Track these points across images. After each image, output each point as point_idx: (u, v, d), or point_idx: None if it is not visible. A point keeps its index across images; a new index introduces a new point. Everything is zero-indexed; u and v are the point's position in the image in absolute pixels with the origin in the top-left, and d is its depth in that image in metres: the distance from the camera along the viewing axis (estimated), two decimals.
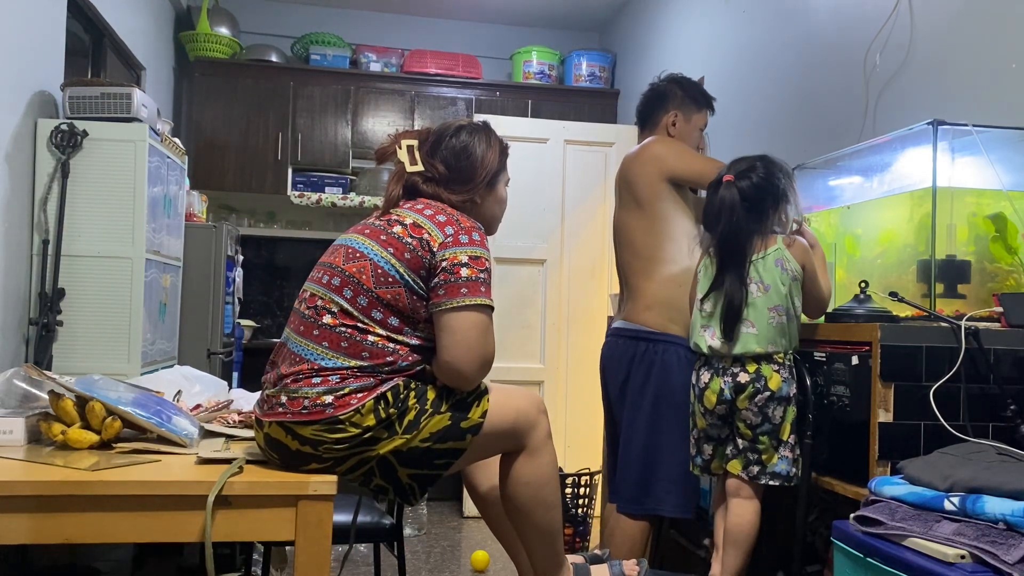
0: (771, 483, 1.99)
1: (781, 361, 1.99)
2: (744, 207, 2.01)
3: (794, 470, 1.98)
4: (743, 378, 1.99)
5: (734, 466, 2.03)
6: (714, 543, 2.16)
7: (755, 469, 2.00)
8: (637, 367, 2.46)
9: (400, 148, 1.92)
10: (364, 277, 1.74)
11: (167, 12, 4.91)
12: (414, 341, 1.77)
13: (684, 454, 2.23)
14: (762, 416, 1.98)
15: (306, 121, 5.04)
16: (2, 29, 2.80)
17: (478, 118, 2.17)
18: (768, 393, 1.96)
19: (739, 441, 2.03)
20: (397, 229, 1.78)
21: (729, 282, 2.02)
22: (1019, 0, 2.19)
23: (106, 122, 3.10)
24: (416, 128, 2.03)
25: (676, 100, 2.64)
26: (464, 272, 1.74)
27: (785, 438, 1.98)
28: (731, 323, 2.00)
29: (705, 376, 2.06)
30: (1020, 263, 2.01)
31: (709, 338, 2.05)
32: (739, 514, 2.02)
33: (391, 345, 1.74)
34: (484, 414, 1.78)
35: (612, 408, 2.61)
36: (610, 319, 2.88)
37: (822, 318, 2.09)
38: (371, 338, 1.72)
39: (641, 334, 2.47)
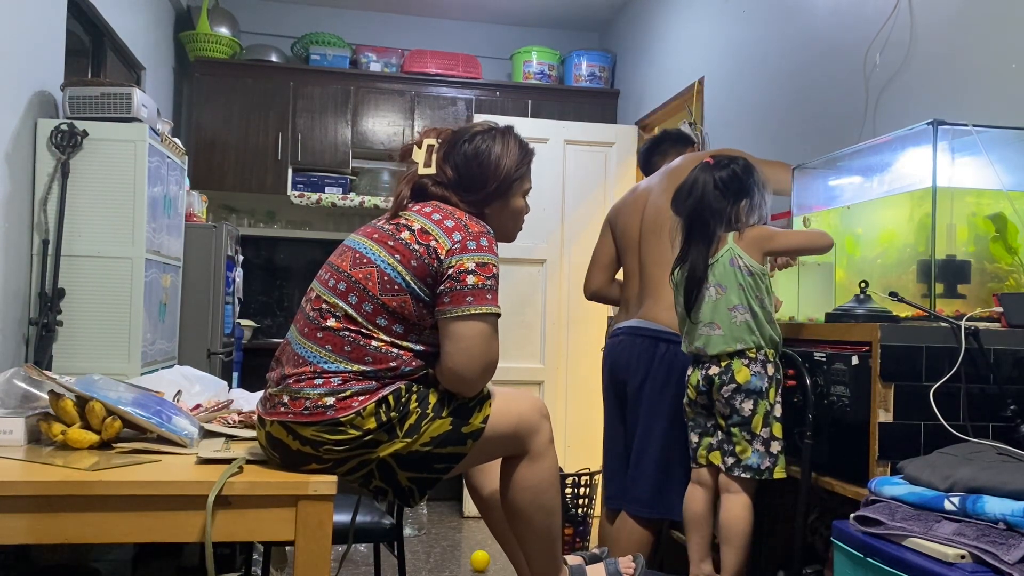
0: (743, 476, 2.01)
1: (753, 356, 2.02)
2: (713, 188, 2.11)
3: (766, 464, 2.01)
4: (713, 371, 2.07)
5: (715, 457, 2.10)
6: (687, 538, 2.18)
7: (729, 461, 2.06)
8: (657, 369, 2.44)
9: (419, 147, 1.89)
10: (370, 284, 1.73)
11: (167, 12, 4.91)
12: (418, 347, 1.76)
13: None
14: (730, 408, 2.04)
15: (306, 121, 5.04)
16: (2, 29, 2.80)
17: (482, 118, 2.12)
18: (734, 385, 2.02)
19: (719, 433, 2.10)
20: (405, 235, 1.76)
21: (694, 253, 2.11)
22: (1019, 0, 2.19)
23: (106, 122, 3.10)
24: (438, 127, 1.97)
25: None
26: (470, 280, 1.72)
27: (757, 432, 2.01)
28: (691, 292, 2.09)
29: (690, 370, 2.16)
30: (1020, 263, 2.01)
31: (687, 345, 2.15)
32: (729, 509, 2.04)
33: (394, 351, 1.73)
34: (486, 419, 1.78)
35: (624, 409, 2.58)
36: (610, 319, 2.88)
37: (822, 318, 2.10)
38: (374, 343, 1.72)
39: (662, 335, 2.45)
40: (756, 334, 2.03)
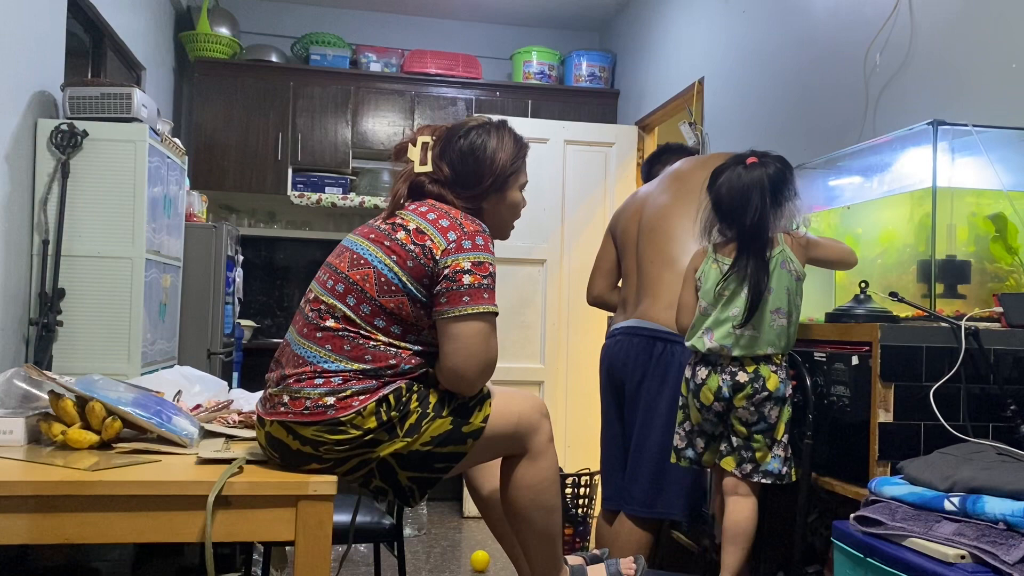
0: (763, 481, 1.99)
1: (778, 362, 1.99)
2: (770, 186, 1.98)
3: (786, 469, 1.98)
4: (742, 378, 1.98)
5: (728, 463, 2.04)
6: (717, 545, 2.16)
7: (748, 467, 2.01)
8: (654, 368, 2.43)
9: (415, 145, 1.89)
10: (368, 285, 1.73)
11: (167, 12, 4.91)
12: (417, 347, 1.76)
13: None
14: (758, 415, 1.98)
15: (306, 121, 5.04)
16: (2, 29, 2.80)
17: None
18: (766, 393, 1.96)
19: (733, 439, 2.03)
20: (400, 235, 1.76)
21: (753, 266, 1.96)
22: (1019, 0, 2.19)
23: (106, 122, 3.10)
24: (432, 124, 1.96)
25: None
26: (467, 279, 1.72)
27: (779, 437, 1.99)
28: (755, 308, 1.95)
29: (702, 372, 2.05)
30: (1020, 263, 2.01)
31: (708, 340, 2.02)
32: (737, 511, 2.02)
33: (393, 349, 1.73)
34: (486, 419, 1.78)
35: (622, 408, 2.58)
36: (610, 319, 2.88)
37: (822, 318, 2.10)
38: (373, 343, 1.72)
39: (660, 334, 2.43)
40: (785, 339, 1.99)
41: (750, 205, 1.97)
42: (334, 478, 1.66)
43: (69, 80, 3.27)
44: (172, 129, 3.80)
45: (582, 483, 3.68)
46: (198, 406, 2.21)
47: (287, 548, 2.62)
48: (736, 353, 1.99)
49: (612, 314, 2.87)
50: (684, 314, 2.15)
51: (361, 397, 1.68)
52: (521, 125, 4.78)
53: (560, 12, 5.43)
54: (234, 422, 2.08)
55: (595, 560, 2.05)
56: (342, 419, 1.66)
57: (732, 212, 2.02)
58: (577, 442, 4.47)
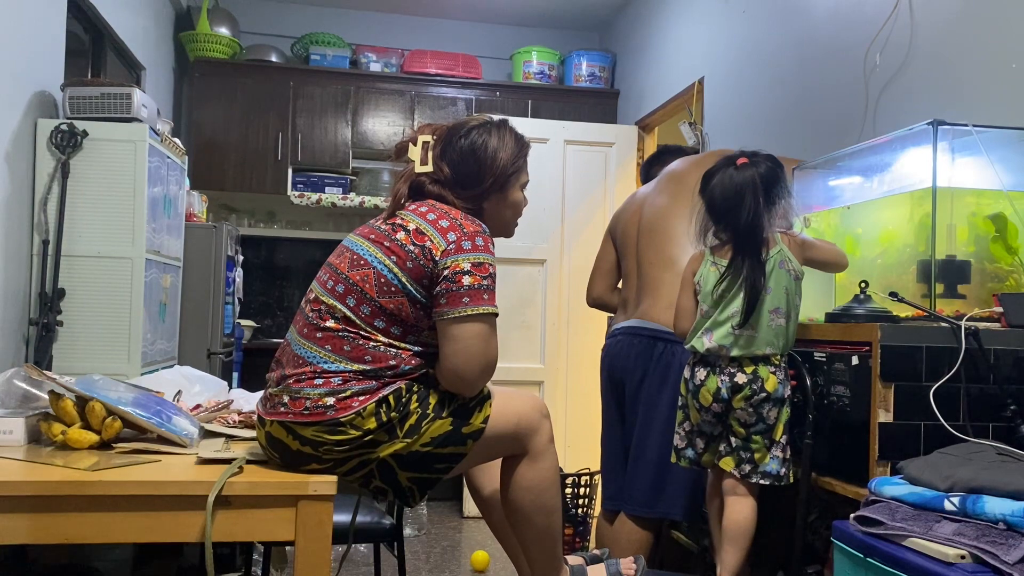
0: (762, 482, 1.99)
1: (777, 363, 1.99)
2: (762, 186, 1.97)
3: (784, 470, 1.98)
4: (740, 379, 1.98)
5: (726, 463, 2.04)
6: (713, 546, 2.16)
7: (747, 468, 2.00)
8: (655, 368, 2.43)
9: (415, 144, 1.88)
10: (367, 286, 1.73)
11: (167, 12, 4.91)
12: (417, 348, 1.76)
13: None
14: (757, 416, 1.98)
15: (306, 121, 5.04)
16: (2, 29, 2.80)
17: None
18: (764, 394, 1.96)
19: (732, 440, 2.03)
20: (400, 236, 1.75)
21: (749, 266, 1.97)
22: (1019, 0, 2.19)
23: (106, 122, 3.10)
24: (433, 124, 1.95)
25: None
26: (466, 280, 1.71)
27: (778, 438, 1.98)
28: (753, 308, 1.95)
29: (701, 373, 2.04)
30: (1020, 263, 2.01)
31: (707, 341, 2.02)
32: (736, 511, 2.02)
33: (393, 350, 1.73)
34: (486, 420, 1.77)
35: (622, 409, 2.58)
36: (610, 319, 2.88)
37: (822, 318, 2.10)
38: (373, 344, 1.71)
39: (660, 334, 2.43)
40: (784, 339, 1.98)
41: (743, 205, 1.97)
42: (334, 478, 1.66)
43: (69, 80, 3.26)
44: (172, 129, 3.80)
45: (582, 483, 3.68)
46: (198, 406, 2.21)
47: (287, 548, 2.63)
48: (734, 353, 1.98)
49: (612, 315, 2.87)
50: (682, 318, 2.15)
51: (361, 398, 1.68)
52: (521, 125, 4.74)
53: (560, 12, 5.44)
54: (234, 422, 2.08)
55: (595, 560, 2.05)
56: (342, 420, 1.66)
57: (726, 213, 2.02)
58: (577, 442, 4.47)
